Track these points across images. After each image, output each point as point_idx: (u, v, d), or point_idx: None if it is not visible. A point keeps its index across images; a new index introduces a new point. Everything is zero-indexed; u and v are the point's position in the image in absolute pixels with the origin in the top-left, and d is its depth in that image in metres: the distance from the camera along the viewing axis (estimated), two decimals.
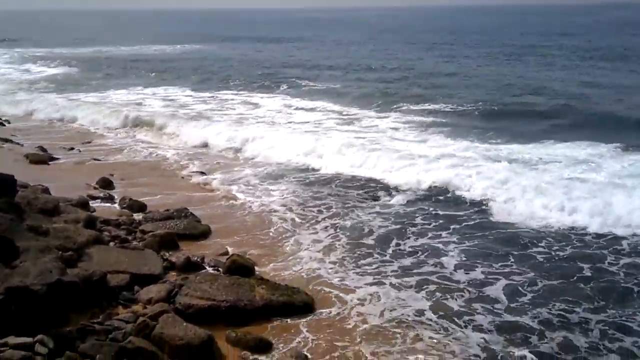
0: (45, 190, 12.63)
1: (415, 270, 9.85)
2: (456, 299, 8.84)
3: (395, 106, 25.92)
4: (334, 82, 34.38)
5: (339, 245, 10.97)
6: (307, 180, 15.55)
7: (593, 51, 46.76)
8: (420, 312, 8.42)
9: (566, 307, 8.55)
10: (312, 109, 26.29)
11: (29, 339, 6.36)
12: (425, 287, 9.24)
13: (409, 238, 11.33)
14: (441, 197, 13.87)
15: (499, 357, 7.33)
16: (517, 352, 7.43)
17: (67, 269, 7.74)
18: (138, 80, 37.84)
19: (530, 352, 7.44)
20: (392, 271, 9.85)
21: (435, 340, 7.68)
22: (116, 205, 13.06)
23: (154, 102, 29.06)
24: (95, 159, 17.75)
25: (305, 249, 10.74)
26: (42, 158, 17.28)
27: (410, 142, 19.36)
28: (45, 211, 10.70)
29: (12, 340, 6.28)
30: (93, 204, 12.77)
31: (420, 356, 7.33)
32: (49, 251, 8.13)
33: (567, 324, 8.13)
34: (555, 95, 27.17)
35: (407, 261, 10.24)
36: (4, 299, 6.72)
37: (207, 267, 9.72)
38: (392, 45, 61.88)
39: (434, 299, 8.83)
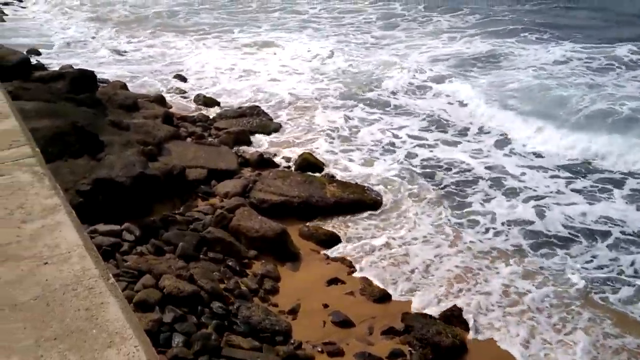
0: (124, 86, 13.01)
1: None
2: None
3: None
4: None
5: (412, 152, 10.89)
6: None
7: None
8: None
9: None
10: None
11: (116, 227, 6.80)
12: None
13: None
14: None
15: None
16: None
17: (148, 163, 8.09)
18: None
19: None
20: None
21: None
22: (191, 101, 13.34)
23: None
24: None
25: (377, 151, 10.75)
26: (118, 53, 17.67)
27: None
28: (125, 107, 11.08)
29: (102, 227, 6.73)
30: (169, 99, 13.09)
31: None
32: (131, 145, 8.49)
33: None
34: None
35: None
36: (92, 189, 7.14)
37: (279, 164, 9.92)
38: None
39: None
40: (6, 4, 30.12)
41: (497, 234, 7.93)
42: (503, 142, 11.11)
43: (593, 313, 6.35)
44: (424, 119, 12.33)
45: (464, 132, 11.69)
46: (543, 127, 11.46)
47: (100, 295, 2.31)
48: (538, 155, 10.46)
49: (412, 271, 7.03)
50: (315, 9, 27.44)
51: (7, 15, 26.45)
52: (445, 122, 12.22)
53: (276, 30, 22.28)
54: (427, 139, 11.30)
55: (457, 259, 7.29)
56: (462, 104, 13.11)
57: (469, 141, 11.21)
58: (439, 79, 14.88)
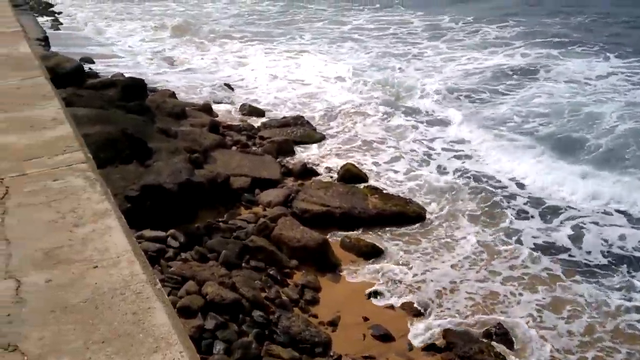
0: (172, 95, 13.30)
1: None
2: None
3: None
4: None
5: (450, 164, 10.78)
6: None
7: None
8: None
9: None
10: None
11: (162, 233, 6.92)
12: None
13: None
14: None
15: None
16: None
17: (194, 170, 8.22)
18: None
19: None
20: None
21: None
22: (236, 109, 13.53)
23: None
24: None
25: (416, 162, 10.70)
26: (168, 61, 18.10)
27: None
28: (173, 115, 11.32)
29: (148, 233, 6.85)
30: (215, 108, 13.31)
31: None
32: (178, 152, 8.64)
33: None
34: None
35: None
36: (139, 195, 7.29)
37: (321, 174, 9.94)
38: None
39: None
40: (60, 12, 31.28)
41: (532, 257, 7.56)
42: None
43: (631, 349, 5.93)
44: (460, 129, 12.31)
45: None
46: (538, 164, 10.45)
47: (147, 300, 2.35)
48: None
49: (443, 291, 6.84)
50: (359, 20, 27.56)
51: (62, 24, 27.46)
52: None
53: (320, 40, 22.49)
54: (463, 151, 11.29)
55: (490, 282, 7.01)
56: None
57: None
58: (456, 98, 14.67)
